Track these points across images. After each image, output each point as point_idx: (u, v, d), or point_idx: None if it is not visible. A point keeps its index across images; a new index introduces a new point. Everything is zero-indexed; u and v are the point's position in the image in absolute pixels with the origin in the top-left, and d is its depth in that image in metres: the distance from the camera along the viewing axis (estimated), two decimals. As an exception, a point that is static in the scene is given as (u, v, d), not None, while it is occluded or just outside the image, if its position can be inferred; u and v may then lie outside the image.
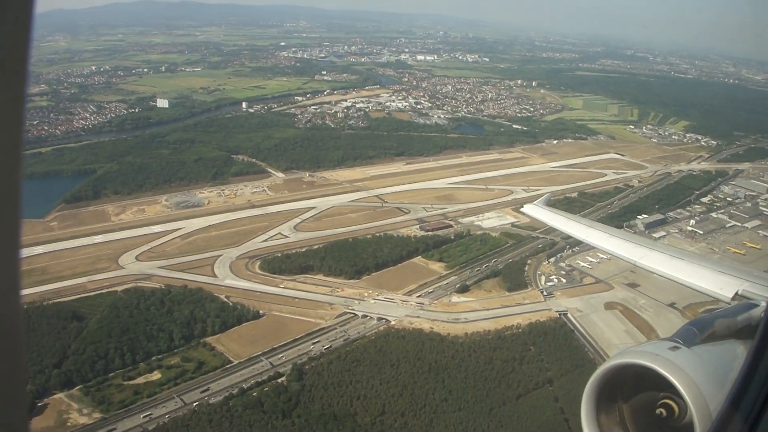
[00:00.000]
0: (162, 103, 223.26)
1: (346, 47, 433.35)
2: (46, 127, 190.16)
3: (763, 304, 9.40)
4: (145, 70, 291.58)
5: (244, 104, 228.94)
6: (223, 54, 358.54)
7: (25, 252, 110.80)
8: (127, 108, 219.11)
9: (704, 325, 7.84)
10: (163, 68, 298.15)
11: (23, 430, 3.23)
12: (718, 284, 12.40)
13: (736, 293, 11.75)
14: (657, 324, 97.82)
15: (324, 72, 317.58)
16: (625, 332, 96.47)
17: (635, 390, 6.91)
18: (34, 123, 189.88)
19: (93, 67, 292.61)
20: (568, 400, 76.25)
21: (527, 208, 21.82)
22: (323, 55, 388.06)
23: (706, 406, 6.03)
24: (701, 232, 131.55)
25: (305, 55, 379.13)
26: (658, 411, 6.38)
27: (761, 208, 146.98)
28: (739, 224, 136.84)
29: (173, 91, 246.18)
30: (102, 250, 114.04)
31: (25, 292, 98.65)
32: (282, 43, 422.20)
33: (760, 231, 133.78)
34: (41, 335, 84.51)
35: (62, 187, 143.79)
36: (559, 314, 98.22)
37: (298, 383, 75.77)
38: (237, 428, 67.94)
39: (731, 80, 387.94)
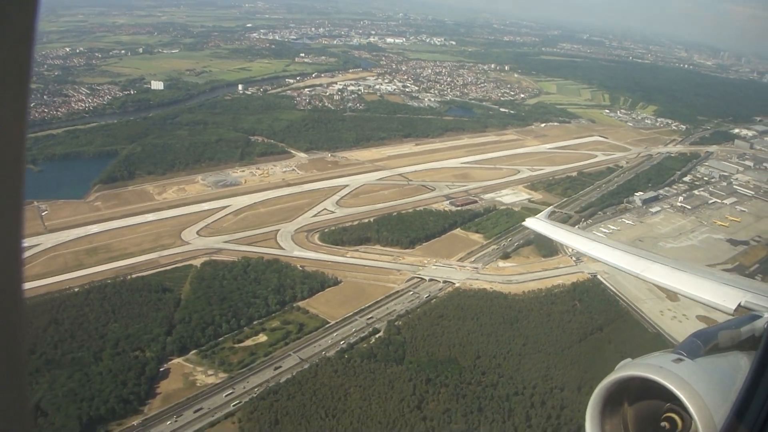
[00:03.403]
0: (157, 85, 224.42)
1: (313, 29, 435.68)
2: (45, 109, 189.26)
3: (766, 315, 9.51)
4: (122, 51, 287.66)
5: (240, 87, 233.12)
6: (194, 35, 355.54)
7: (83, 231, 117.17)
8: (120, 90, 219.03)
9: (708, 337, 7.89)
10: (141, 50, 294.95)
11: (25, 430, 3.29)
12: (720, 296, 12.40)
13: (739, 305, 11.75)
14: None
15: (302, 54, 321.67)
16: (648, 289, 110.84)
17: (639, 402, 7.06)
18: (32, 105, 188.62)
19: (67, 49, 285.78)
20: (618, 342, 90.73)
21: (529, 222, 21.86)
22: (294, 37, 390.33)
23: (710, 418, 6.09)
24: (689, 207, 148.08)
25: (277, 37, 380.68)
26: (662, 423, 6.55)
27: (735, 186, 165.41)
28: (719, 201, 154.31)
29: (160, 73, 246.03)
30: (159, 227, 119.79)
31: (99, 269, 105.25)
32: (249, 25, 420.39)
33: (737, 207, 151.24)
34: (139, 307, 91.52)
35: (88, 168, 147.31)
36: (591, 275, 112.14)
37: (399, 336, 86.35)
38: (361, 375, 77.88)
39: (685, 65, 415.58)
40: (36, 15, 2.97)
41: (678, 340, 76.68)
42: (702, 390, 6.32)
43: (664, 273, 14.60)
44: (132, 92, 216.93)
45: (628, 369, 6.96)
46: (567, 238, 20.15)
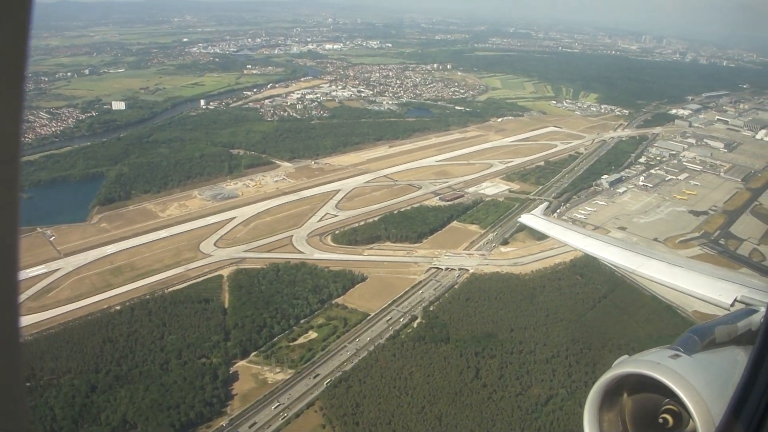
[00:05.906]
0: (118, 105, 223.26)
1: (250, 40, 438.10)
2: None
3: (763, 309, 9.85)
4: (68, 73, 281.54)
5: (202, 102, 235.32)
6: (134, 53, 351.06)
7: (99, 253, 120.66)
8: (81, 112, 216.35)
9: (704, 333, 8.02)
10: (87, 71, 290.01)
11: (25, 430, 3.34)
12: (716, 291, 12.52)
13: (735, 299, 11.90)
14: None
15: (249, 66, 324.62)
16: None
17: (637, 398, 7.14)
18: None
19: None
20: (624, 306, 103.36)
21: (525, 219, 22.27)
22: (234, 49, 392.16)
23: (708, 414, 6.15)
24: (651, 185, 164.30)
25: (217, 50, 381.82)
26: (660, 419, 6.64)
27: (684, 163, 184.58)
28: (674, 177, 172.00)
29: (115, 93, 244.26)
30: (174, 243, 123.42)
31: (130, 287, 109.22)
32: (185, 39, 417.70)
33: (690, 181, 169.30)
34: (188, 318, 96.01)
35: (78, 191, 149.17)
36: (584, 253, 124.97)
37: (438, 319, 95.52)
38: (417, 356, 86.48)
39: (612, 51, 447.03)
40: (31, 15, 3.10)
41: (668, 300, 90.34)
42: (699, 385, 6.38)
43: (661, 269, 15.00)
44: (94, 114, 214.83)
45: (625, 366, 7.08)
46: (563, 235, 20.55)
